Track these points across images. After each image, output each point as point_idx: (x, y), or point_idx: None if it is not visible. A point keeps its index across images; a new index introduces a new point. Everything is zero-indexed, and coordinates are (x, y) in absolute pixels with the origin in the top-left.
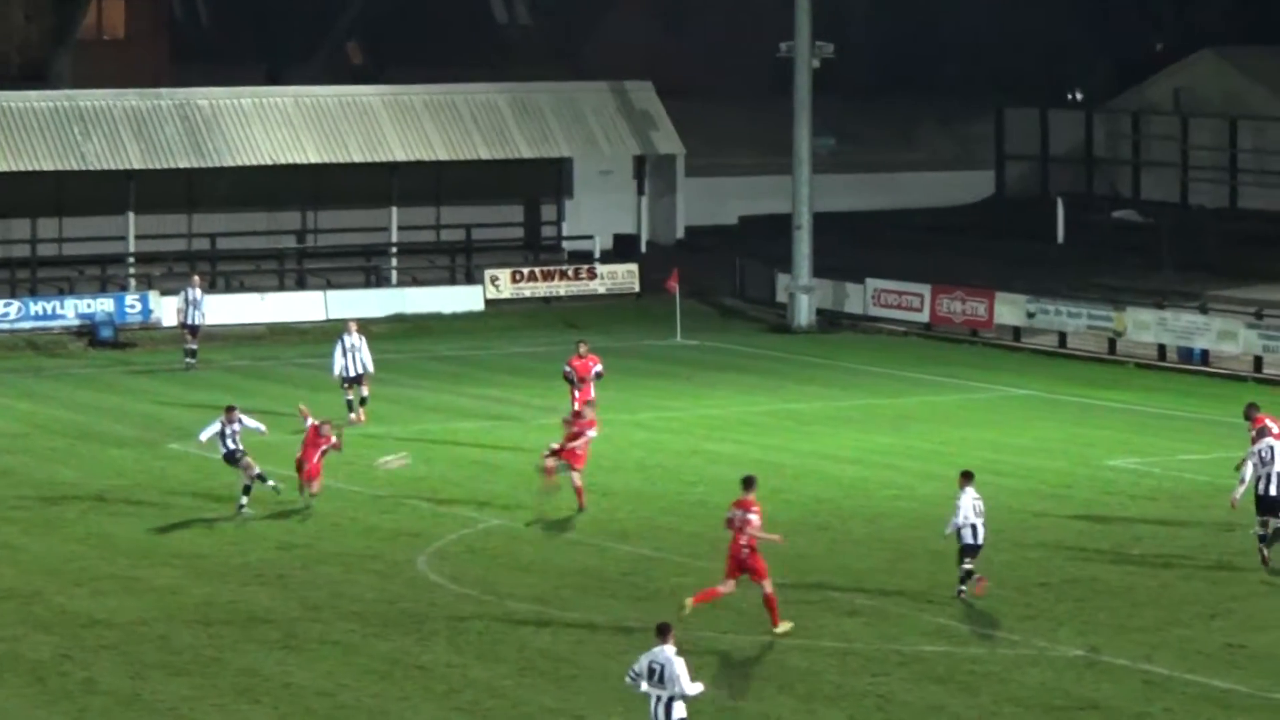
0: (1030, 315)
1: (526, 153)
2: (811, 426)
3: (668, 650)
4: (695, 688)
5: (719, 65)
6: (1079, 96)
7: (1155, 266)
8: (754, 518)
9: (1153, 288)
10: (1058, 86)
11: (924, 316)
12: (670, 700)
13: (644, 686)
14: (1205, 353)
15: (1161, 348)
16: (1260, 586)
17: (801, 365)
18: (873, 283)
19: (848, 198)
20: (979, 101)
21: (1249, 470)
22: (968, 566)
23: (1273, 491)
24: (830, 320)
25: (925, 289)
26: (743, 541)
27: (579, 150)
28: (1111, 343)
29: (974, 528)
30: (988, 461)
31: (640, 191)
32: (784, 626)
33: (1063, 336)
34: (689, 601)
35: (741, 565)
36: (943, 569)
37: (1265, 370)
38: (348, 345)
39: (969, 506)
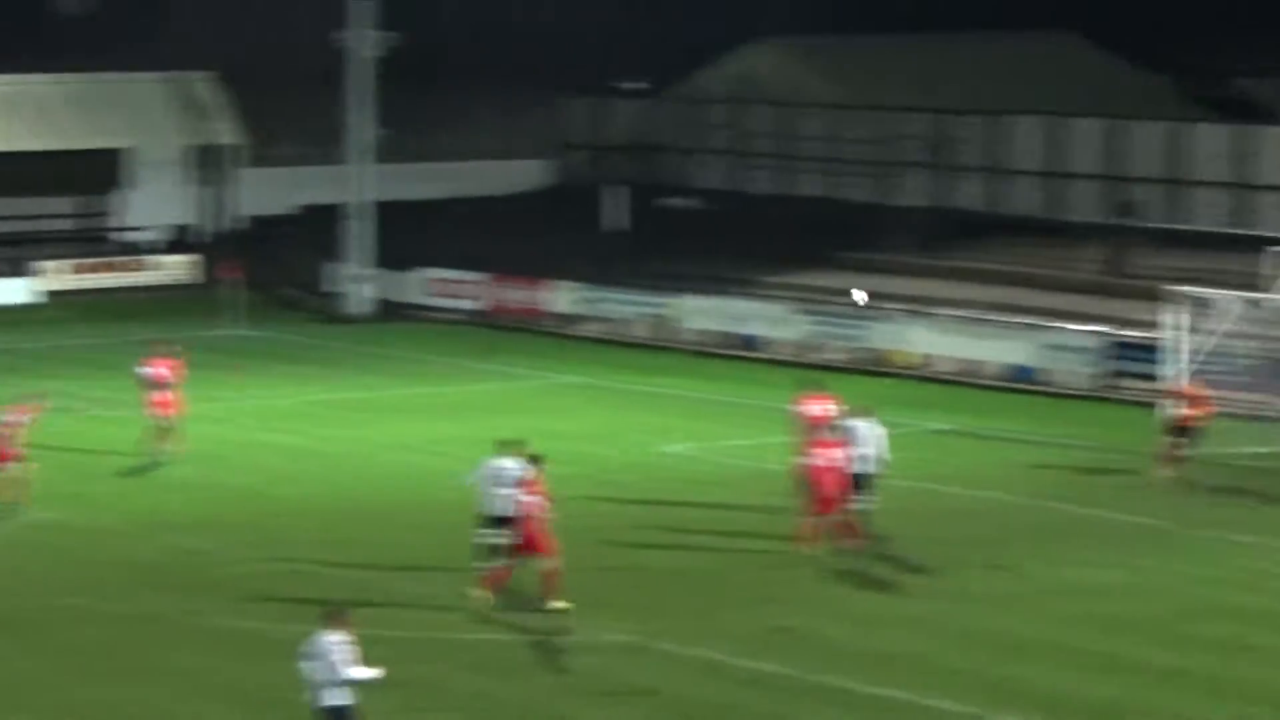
0: (585, 303)
1: (82, 144)
2: (367, 415)
3: (333, 635)
4: (364, 672)
5: (283, 55)
6: (639, 85)
7: (711, 253)
8: (535, 498)
9: (708, 274)
10: (618, 74)
11: (481, 305)
12: (331, 685)
13: (309, 670)
14: (759, 338)
15: (716, 334)
16: (807, 570)
17: (359, 355)
18: (430, 272)
19: (407, 187)
20: (539, 89)
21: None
22: (496, 542)
23: (866, 470)
24: (388, 309)
25: (482, 278)
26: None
27: (138, 141)
28: (666, 329)
29: (501, 500)
30: (543, 449)
31: (200, 182)
32: (561, 604)
33: (618, 324)
34: (476, 593)
35: (527, 541)
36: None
37: (817, 355)
38: None
39: (495, 477)
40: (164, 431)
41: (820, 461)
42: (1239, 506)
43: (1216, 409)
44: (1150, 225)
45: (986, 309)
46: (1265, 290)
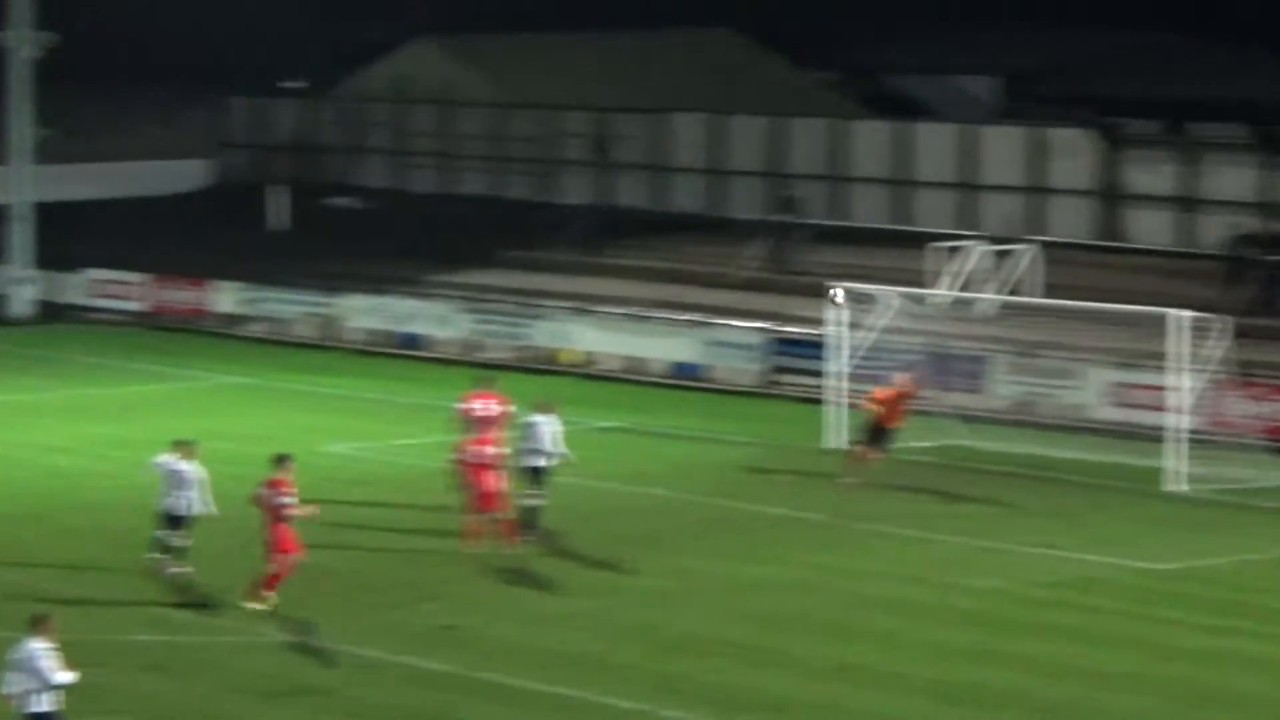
0: (249, 303)
1: None
2: (30, 418)
3: (37, 642)
4: (64, 676)
5: None
6: (299, 84)
7: (374, 253)
8: (286, 499)
9: (371, 273)
10: (279, 74)
11: (144, 305)
12: (37, 692)
13: (11, 682)
14: (423, 337)
15: (380, 333)
16: (473, 568)
17: (19, 357)
18: (92, 273)
19: (68, 188)
20: (201, 89)
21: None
22: (175, 543)
23: (539, 464)
24: (50, 311)
25: (145, 278)
26: (279, 517)
27: None
28: (330, 329)
29: (188, 500)
30: (208, 449)
31: None
32: (264, 604)
33: (282, 324)
34: (249, 602)
35: (277, 541)
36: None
37: (482, 354)
38: None
39: (171, 478)
40: None
41: (478, 459)
42: (900, 500)
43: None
44: (812, 221)
45: (650, 306)
46: (927, 286)
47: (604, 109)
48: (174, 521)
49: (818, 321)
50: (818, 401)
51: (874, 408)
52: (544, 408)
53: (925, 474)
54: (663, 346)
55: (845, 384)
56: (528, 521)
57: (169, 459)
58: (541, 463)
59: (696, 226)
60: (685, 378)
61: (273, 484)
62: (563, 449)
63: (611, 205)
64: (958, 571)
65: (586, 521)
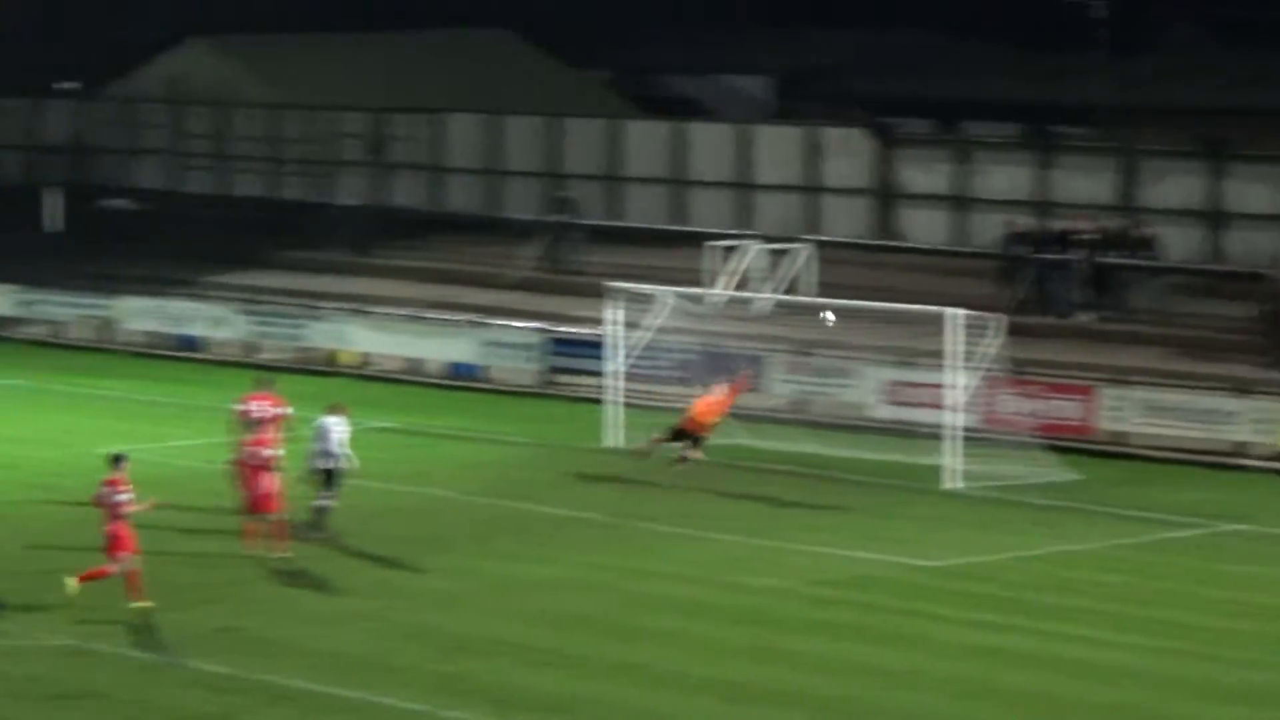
0: (24, 305)
1: None
2: None
3: None
4: None
5: None
6: (72, 85)
7: (150, 254)
8: (122, 497)
9: (148, 275)
10: (52, 75)
11: None
12: None
13: None
14: (201, 339)
15: (157, 335)
16: (252, 571)
17: None
18: None
19: None
20: None
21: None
22: None
23: (330, 466)
24: None
25: None
26: (117, 515)
27: None
28: (107, 331)
29: None
30: None
31: None
32: (145, 603)
33: (58, 326)
34: (71, 580)
35: (113, 541)
36: None
37: (260, 355)
38: None
39: None
40: None
41: (254, 460)
42: (679, 500)
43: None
44: (589, 222)
45: (427, 307)
46: (704, 285)
47: (379, 109)
48: None
49: (595, 321)
50: (596, 401)
51: (707, 418)
52: (336, 410)
53: (704, 473)
54: (440, 347)
55: (622, 383)
56: (316, 523)
57: None
58: (331, 465)
59: (473, 227)
60: (463, 378)
61: (110, 483)
62: (347, 451)
63: (387, 206)
64: (737, 570)
65: (366, 522)
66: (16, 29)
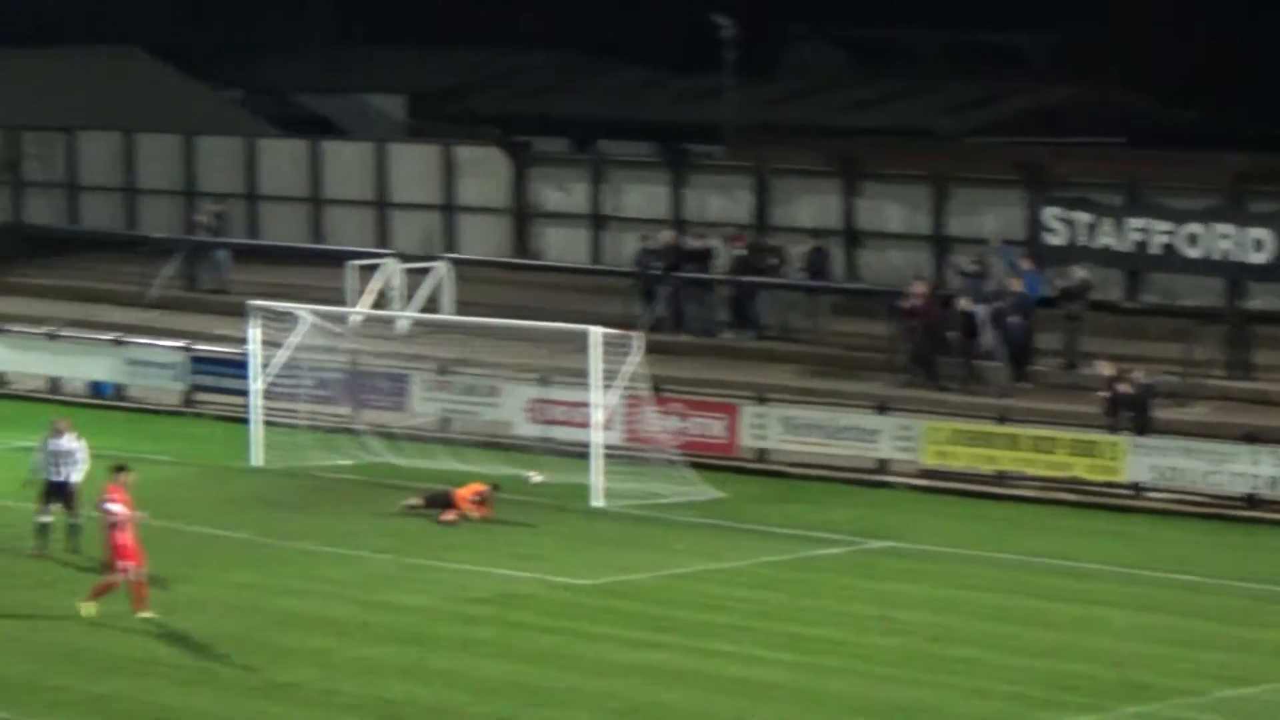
0: None
1: None
2: None
3: None
4: None
5: None
6: None
7: None
8: (114, 506)
9: None
10: None
11: None
12: None
13: None
14: None
15: None
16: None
17: None
18: None
19: None
20: None
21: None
22: None
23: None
24: None
25: None
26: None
27: None
28: None
29: None
30: None
31: None
32: (150, 613)
33: None
34: (83, 604)
35: (116, 551)
36: None
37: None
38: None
39: None
40: None
41: None
42: (325, 519)
43: None
44: (229, 240)
45: (66, 325)
46: (345, 304)
47: (12, 127)
48: None
49: (237, 340)
50: (240, 420)
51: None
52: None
53: (349, 492)
54: (80, 365)
55: (263, 402)
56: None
57: None
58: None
59: (110, 245)
60: (104, 397)
61: (106, 491)
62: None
63: (23, 223)
64: (388, 589)
65: (11, 543)
66: None
